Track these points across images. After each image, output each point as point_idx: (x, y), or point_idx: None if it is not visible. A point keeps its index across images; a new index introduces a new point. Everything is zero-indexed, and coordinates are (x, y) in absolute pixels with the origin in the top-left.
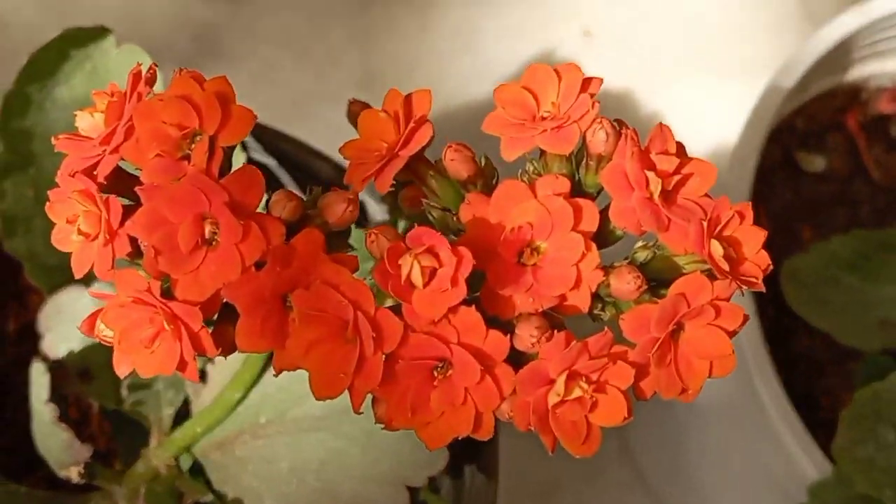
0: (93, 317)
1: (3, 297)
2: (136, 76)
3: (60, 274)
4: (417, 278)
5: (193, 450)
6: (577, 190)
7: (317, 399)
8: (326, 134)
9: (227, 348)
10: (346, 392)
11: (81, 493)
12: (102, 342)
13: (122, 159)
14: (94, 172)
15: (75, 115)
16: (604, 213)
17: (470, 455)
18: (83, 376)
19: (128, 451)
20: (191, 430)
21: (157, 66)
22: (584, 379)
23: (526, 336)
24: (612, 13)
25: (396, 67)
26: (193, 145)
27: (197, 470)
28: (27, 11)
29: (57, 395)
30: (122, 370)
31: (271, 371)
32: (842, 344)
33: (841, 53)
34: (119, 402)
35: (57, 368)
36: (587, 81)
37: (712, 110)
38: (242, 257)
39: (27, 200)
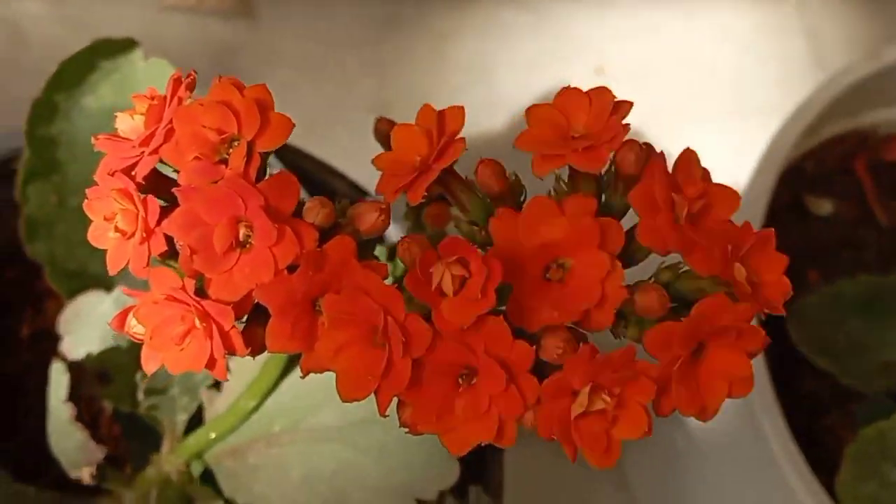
0: (123, 314)
1: (19, 302)
2: (177, 81)
3: (79, 279)
4: (448, 286)
5: (206, 456)
6: (604, 210)
7: (343, 401)
8: (339, 158)
9: (256, 349)
10: (362, 403)
11: (89, 496)
12: (132, 338)
13: (161, 161)
14: (133, 173)
15: (115, 117)
16: (629, 234)
17: (476, 475)
18: (100, 379)
19: (138, 455)
20: (204, 436)
21: (196, 72)
22: (606, 392)
23: (552, 347)
24: (625, 53)
25: (410, 96)
26: (231, 150)
27: (208, 477)
28: (48, 26)
29: (73, 397)
30: (150, 367)
31: (287, 380)
32: (844, 385)
33: (852, 99)
34: (135, 406)
35: (75, 370)
36: (618, 105)
37: (720, 153)
38: (276, 260)
39: (50, 206)
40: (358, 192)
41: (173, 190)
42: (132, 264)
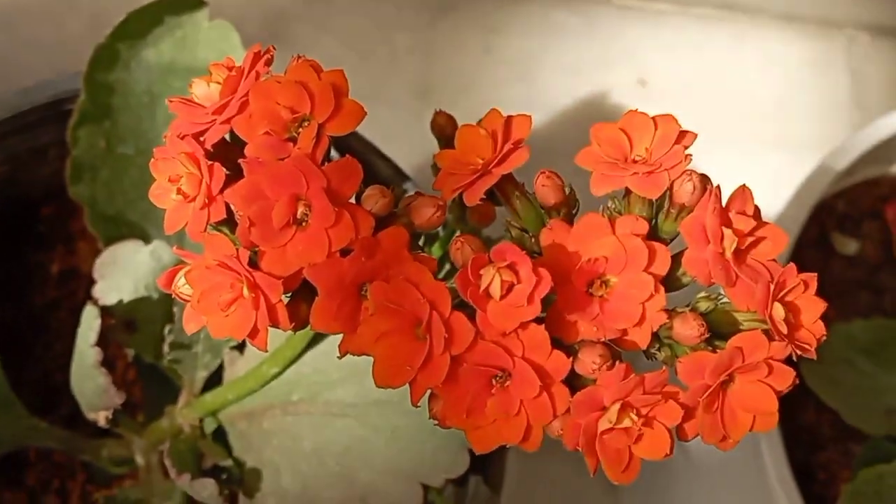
0: (172, 272)
1: (52, 240)
2: (257, 55)
3: (115, 225)
4: (496, 290)
5: (220, 415)
6: (653, 234)
7: (378, 386)
8: (379, 136)
9: (299, 324)
10: (379, 384)
11: (96, 437)
12: (179, 298)
13: (230, 131)
14: (202, 138)
15: (192, 83)
16: (673, 260)
17: (478, 466)
18: (128, 327)
19: (150, 405)
20: (222, 395)
21: (274, 48)
22: (635, 411)
23: (588, 361)
24: (669, 67)
25: (454, 83)
26: (301, 129)
27: (219, 436)
28: None
29: (99, 342)
30: (191, 327)
31: (310, 352)
32: (847, 423)
33: (891, 146)
34: (158, 358)
35: (104, 315)
36: (682, 134)
37: (751, 179)
38: (330, 242)
39: (98, 150)
40: (401, 177)
41: (240, 161)
42: (190, 227)
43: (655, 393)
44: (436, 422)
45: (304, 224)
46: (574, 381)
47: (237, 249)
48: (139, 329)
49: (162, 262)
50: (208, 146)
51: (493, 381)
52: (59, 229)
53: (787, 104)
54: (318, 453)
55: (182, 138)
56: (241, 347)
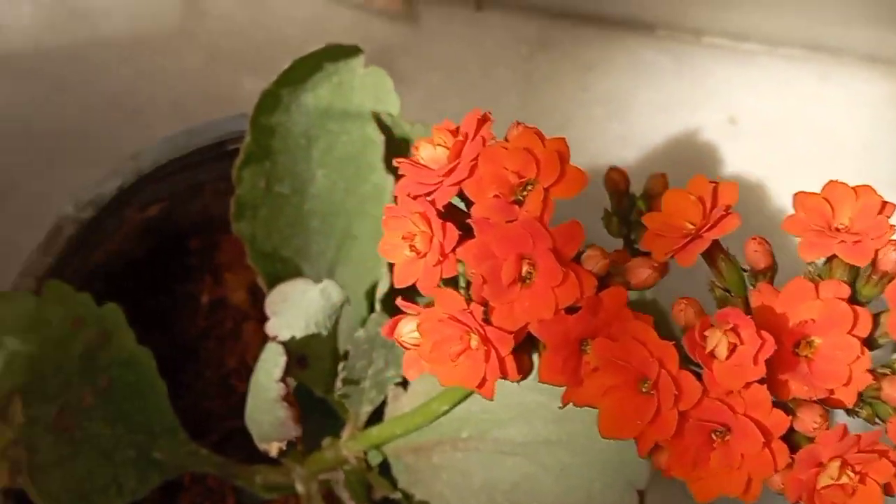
0: (395, 322)
1: (201, 272)
2: (480, 120)
3: (272, 261)
4: (722, 351)
5: (385, 449)
6: (852, 297)
7: (603, 437)
8: None
9: (523, 375)
10: (549, 425)
11: (250, 463)
12: (401, 346)
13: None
14: (429, 199)
15: (417, 146)
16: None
17: None
18: (300, 362)
19: (308, 438)
20: (389, 430)
21: (490, 114)
22: (850, 468)
23: (809, 421)
24: (757, 106)
25: (551, 120)
26: (525, 193)
27: (382, 469)
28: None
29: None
30: (411, 374)
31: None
32: None
33: None
34: (328, 392)
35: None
36: (884, 205)
37: None
38: (557, 300)
39: (258, 190)
40: None
41: (469, 221)
42: (422, 282)
43: (870, 451)
44: (661, 472)
45: (527, 282)
46: (789, 438)
47: (468, 304)
48: (310, 365)
49: (331, 301)
50: (439, 206)
51: (713, 436)
52: (207, 261)
53: (870, 143)
54: (487, 489)
55: (414, 198)
56: (404, 384)
